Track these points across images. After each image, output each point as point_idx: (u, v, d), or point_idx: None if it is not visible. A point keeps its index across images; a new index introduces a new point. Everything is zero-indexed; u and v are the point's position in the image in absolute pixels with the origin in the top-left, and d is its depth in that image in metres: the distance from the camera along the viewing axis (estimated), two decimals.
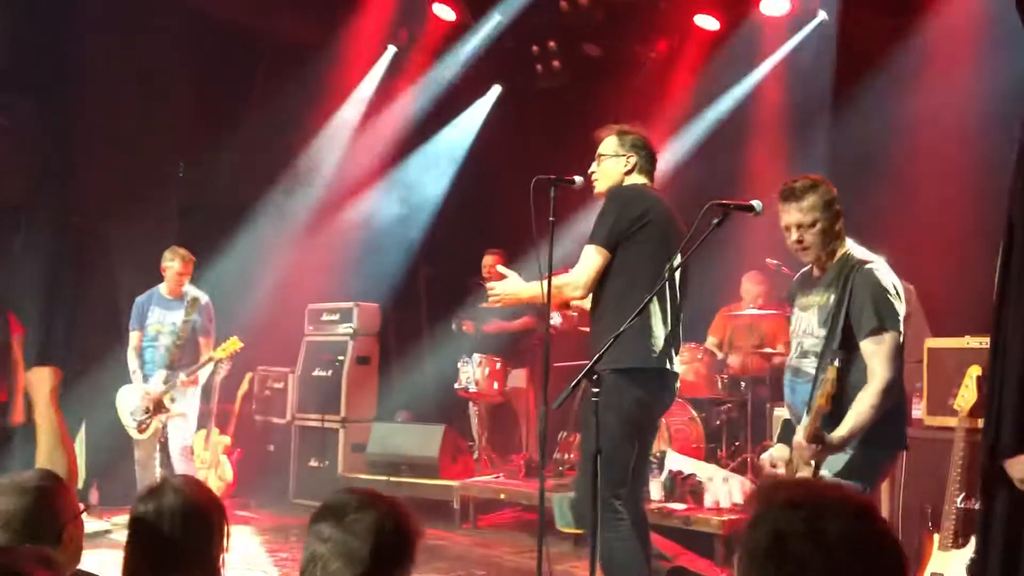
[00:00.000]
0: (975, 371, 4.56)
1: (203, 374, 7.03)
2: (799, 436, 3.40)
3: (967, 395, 4.54)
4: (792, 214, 3.56)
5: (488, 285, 4.26)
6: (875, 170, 6.77)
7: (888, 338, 3.42)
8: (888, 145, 6.82)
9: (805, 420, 3.44)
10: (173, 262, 6.98)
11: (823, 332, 3.53)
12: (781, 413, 6.24)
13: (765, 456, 3.75)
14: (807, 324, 3.65)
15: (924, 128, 6.58)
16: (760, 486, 1.46)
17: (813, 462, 3.35)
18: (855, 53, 7.32)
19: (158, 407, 6.80)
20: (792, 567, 1.29)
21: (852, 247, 3.62)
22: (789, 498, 1.35)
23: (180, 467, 6.77)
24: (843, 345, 3.45)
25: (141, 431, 6.83)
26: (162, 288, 7.06)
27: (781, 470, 3.63)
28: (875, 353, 3.42)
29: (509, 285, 4.13)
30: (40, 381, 2.92)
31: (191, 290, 7.08)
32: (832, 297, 3.53)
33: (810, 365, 3.58)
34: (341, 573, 1.97)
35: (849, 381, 3.44)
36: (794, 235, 3.57)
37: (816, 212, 3.52)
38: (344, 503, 2.04)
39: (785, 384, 3.77)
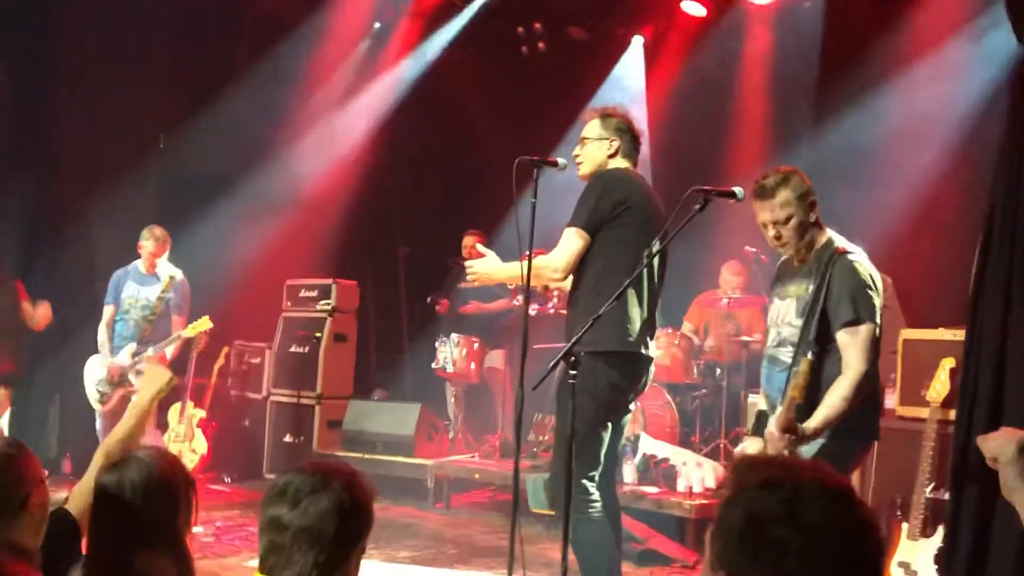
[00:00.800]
0: (948, 363, 4.60)
1: (171, 351, 6.98)
2: (772, 426, 3.41)
3: (939, 386, 4.58)
4: (766, 212, 3.54)
5: (467, 264, 4.23)
6: (857, 159, 6.81)
7: (863, 330, 3.43)
8: (870, 135, 6.85)
9: (779, 410, 3.46)
10: (147, 242, 6.96)
11: (800, 322, 3.53)
12: (756, 400, 6.28)
13: (738, 450, 3.77)
14: (785, 313, 3.65)
15: (907, 118, 6.62)
16: (734, 465, 1.44)
17: (786, 452, 3.37)
18: (841, 41, 7.33)
19: (121, 381, 6.77)
20: (769, 551, 1.28)
21: (832, 236, 3.62)
22: (766, 479, 1.33)
23: (145, 441, 6.74)
24: (819, 335, 3.45)
25: (103, 404, 6.79)
26: (140, 264, 7.05)
27: None
28: (850, 344, 3.42)
29: (487, 264, 4.12)
30: (157, 378, 3.03)
31: (168, 267, 7.04)
32: (810, 287, 3.53)
33: (786, 354, 3.59)
34: (304, 560, 1.93)
35: (824, 372, 3.45)
36: (771, 232, 3.56)
37: (790, 207, 3.50)
38: (297, 486, 1.97)
39: (762, 372, 3.78)
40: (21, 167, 8.23)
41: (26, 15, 7.93)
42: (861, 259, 3.55)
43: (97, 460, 2.77)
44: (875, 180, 6.71)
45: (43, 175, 8.29)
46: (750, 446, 3.67)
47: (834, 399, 3.37)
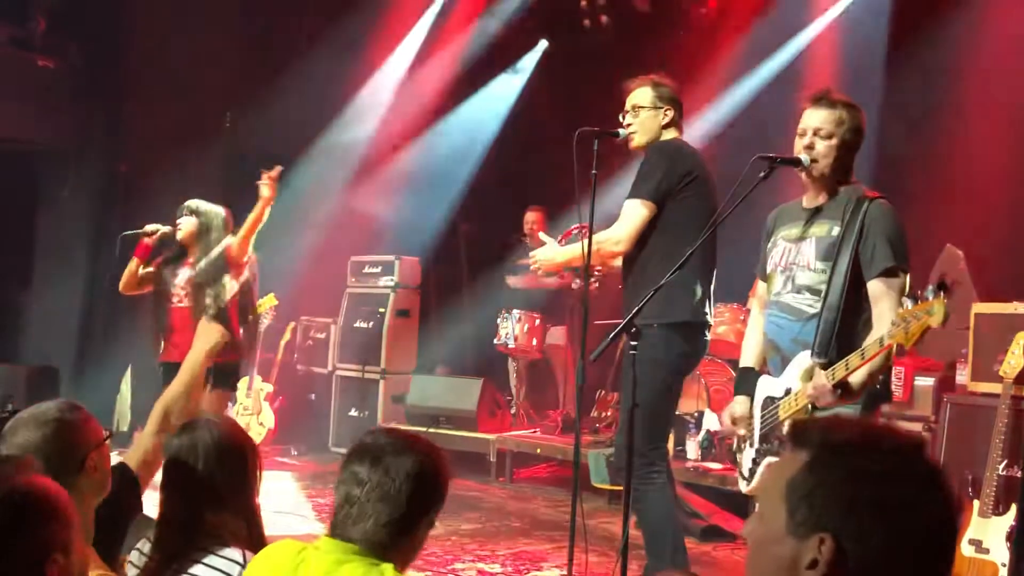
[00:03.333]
0: (1022, 337, 4.48)
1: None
2: (821, 379, 3.10)
3: (1013, 361, 4.46)
4: (815, 118, 3.28)
5: (530, 255, 4.18)
6: (927, 132, 6.63)
7: (903, 281, 3.18)
8: (941, 107, 6.66)
9: (805, 360, 3.22)
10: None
11: (823, 266, 3.26)
12: None
13: (725, 413, 3.54)
14: (799, 256, 3.35)
15: (977, 90, 6.42)
16: (804, 427, 1.37)
17: (809, 407, 3.16)
18: (911, 11, 7.13)
19: None
20: (883, 509, 1.24)
21: (860, 184, 3.36)
22: (864, 436, 1.30)
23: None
24: (852, 281, 3.19)
25: None
26: None
27: (742, 430, 3.45)
28: (885, 295, 3.16)
29: (547, 251, 4.09)
30: (208, 335, 3.06)
31: None
32: (834, 228, 3.26)
33: (806, 303, 3.30)
34: (376, 515, 1.98)
35: (860, 320, 3.21)
36: (806, 139, 3.28)
37: (840, 128, 3.26)
38: (381, 446, 2.04)
39: (767, 317, 3.47)
40: (92, 146, 8.42)
41: None
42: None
43: (155, 416, 2.84)
44: (947, 151, 6.52)
45: (113, 154, 8.47)
46: (738, 408, 3.48)
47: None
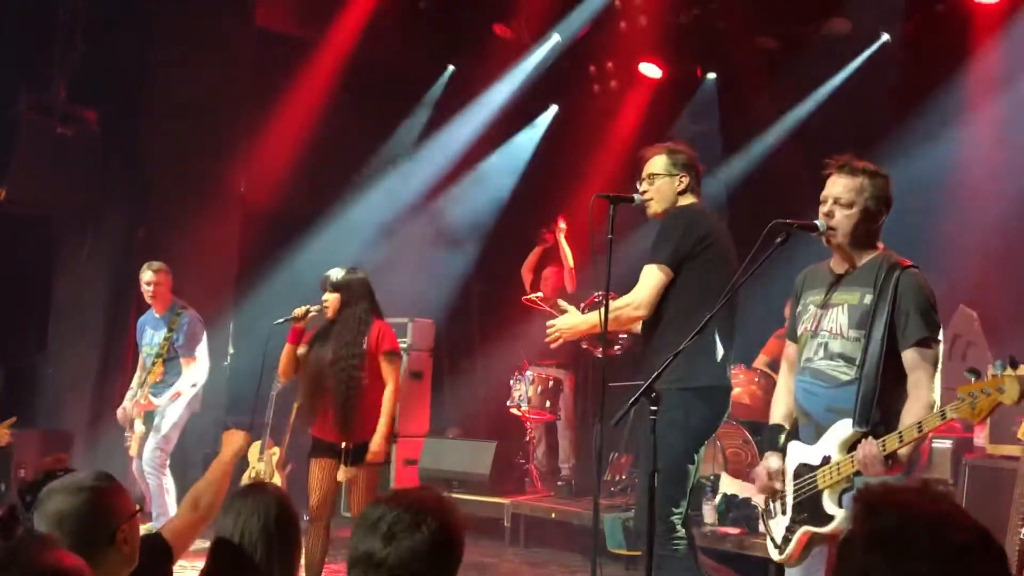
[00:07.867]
0: None
1: (163, 400, 6.57)
2: (873, 449, 3.07)
3: None
4: (836, 187, 3.29)
5: (548, 324, 4.13)
6: (938, 194, 6.67)
7: (936, 351, 3.22)
8: (952, 169, 6.72)
9: (845, 430, 3.21)
10: (144, 273, 6.69)
11: (857, 334, 3.27)
12: None
13: (760, 468, 3.51)
14: (832, 323, 3.36)
15: (989, 151, 6.49)
16: (856, 500, 1.41)
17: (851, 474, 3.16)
18: (918, 75, 7.23)
19: (132, 426, 6.67)
20: None
21: (890, 251, 3.38)
22: (874, 533, 1.32)
23: (144, 484, 6.57)
24: (886, 350, 3.20)
25: (128, 447, 6.67)
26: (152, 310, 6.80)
27: (778, 484, 3.44)
28: (920, 366, 3.19)
29: (568, 319, 4.06)
30: (234, 442, 3.22)
31: (176, 305, 6.73)
32: (867, 297, 3.28)
33: (840, 370, 3.30)
34: None
35: (899, 389, 3.21)
36: (826, 207, 3.30)
37: (861, 197, 3.28)
38: (391, 522, 1.91)
39: (797, 383, 3.47)
40: (109, 211, 8.52)
41: (116, 68, 8.25)
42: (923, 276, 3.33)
43: (187, 500, 2.88)
44: (959, 214, 6.57)
45: (130, 218, 8.57)
46: (773, 463, 3.47)
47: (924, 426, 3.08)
